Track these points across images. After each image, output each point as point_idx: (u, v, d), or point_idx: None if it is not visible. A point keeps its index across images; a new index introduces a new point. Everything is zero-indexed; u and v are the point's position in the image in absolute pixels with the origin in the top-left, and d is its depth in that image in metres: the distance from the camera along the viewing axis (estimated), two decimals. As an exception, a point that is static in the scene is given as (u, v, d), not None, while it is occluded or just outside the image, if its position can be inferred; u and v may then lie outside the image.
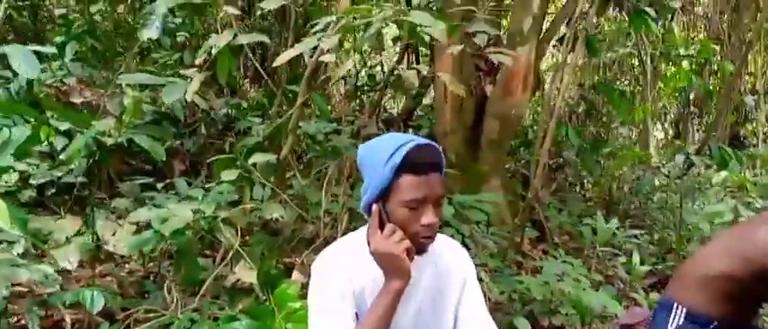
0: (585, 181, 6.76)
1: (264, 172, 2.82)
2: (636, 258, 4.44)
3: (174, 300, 2.26)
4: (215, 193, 2.59)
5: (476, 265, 1.82)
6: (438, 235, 1.55)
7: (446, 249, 1.69)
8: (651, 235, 5.90)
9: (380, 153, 1.47)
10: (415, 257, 1.54)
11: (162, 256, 2.77)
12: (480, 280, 3.06)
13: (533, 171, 4.44)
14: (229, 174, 2.61)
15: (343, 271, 1.54)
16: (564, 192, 6.24)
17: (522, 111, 5.13)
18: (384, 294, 1.46)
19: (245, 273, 2.36)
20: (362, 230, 1.62)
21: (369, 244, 1.53)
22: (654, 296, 4.06)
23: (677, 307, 2.26)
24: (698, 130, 9.86)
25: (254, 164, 2.81)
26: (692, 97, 11.68)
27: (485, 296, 3.14)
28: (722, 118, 6.29)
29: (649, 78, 7.03)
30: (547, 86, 5.47)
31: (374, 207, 1.49)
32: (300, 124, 3.30)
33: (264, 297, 2.33)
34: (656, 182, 6.34)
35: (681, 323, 2.25)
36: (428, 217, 1.44)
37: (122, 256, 3.23)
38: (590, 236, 5.07)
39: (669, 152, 7.22)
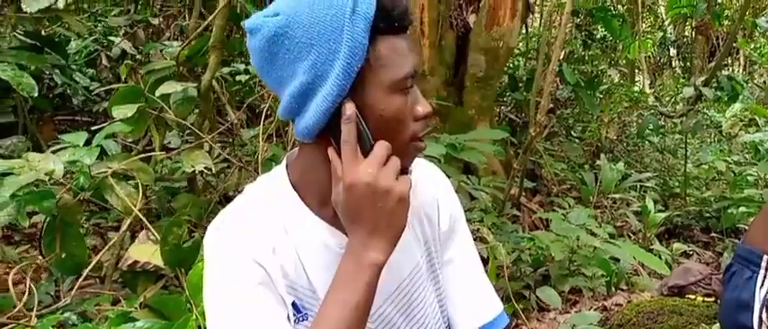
0: (576, 126, 6.13)
1: (180, 108, 2.02)
2: (650, 204, 3.80)
3: (32, 296, 1.47)
4: (103, 138, 1.79)
5: (468, 224, 1.09)
6: None
7: (415, 167, 0.95)
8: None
9: (331, 4, 0.76)
10: None
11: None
12: (483, 240, 2.37)
13: (533, 110, 3.76)
14: (125, 111, 1.81)
15: (258, 240, 0.83)
16: (558, 138, 5.58)
17: (511, 42, 4.48)
18: (358, 270, 0.79)
19: (142, 249, 1.58)
20: (279, 171, 0.90)
21: (335, 182, 0.80)
22: (678, 246, 3.43)
23: (769, 262, 1.59)
24: (682, 76, 9.30)
25: (168, 99, 2.02)
26: (673, 38, 11.15)
27: (485, 261, 2.45)
28: (731, 43, 5.65)
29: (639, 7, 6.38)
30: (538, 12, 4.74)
31: (348, 106, 0.77)
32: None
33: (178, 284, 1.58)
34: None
35: (779, 283, 1.58)
36: (425, 104, 0.85)
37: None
38: (593, 184, 4.45)
39: (664, 91, 6.61)
